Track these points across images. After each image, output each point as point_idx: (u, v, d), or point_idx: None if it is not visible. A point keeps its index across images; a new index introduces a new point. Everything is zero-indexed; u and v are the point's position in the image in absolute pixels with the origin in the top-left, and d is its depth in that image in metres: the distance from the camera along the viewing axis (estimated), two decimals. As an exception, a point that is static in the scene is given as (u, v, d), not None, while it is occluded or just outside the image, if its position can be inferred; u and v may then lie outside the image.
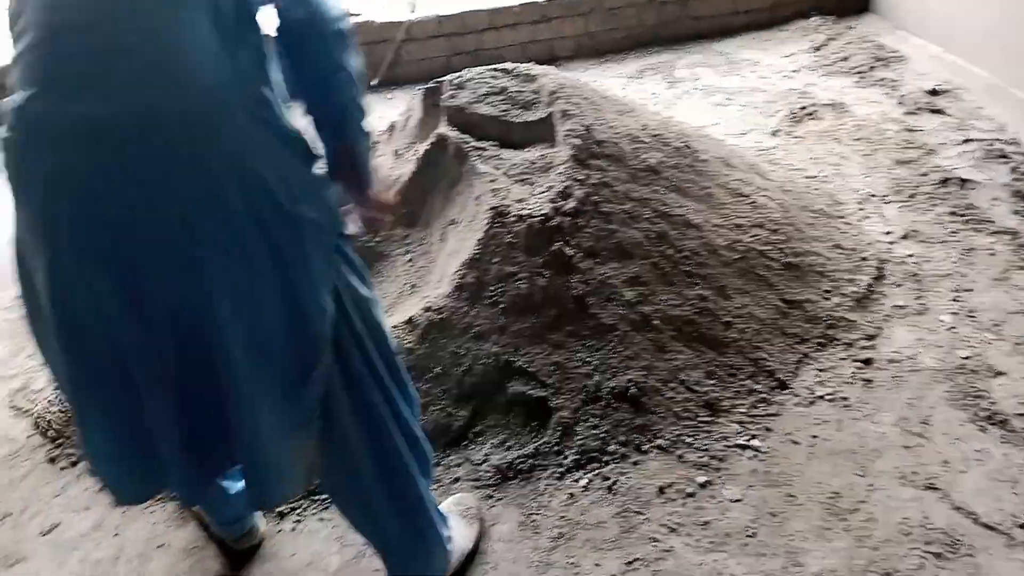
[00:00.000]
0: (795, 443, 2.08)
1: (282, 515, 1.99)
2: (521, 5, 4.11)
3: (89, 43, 1.12)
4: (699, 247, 2.38)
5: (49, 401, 2.25)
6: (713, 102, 3.84)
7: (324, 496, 2.02)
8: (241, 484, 1.86)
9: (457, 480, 2.05)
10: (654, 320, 2.23)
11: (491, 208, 2.26)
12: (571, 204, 2.26)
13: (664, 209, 2.39)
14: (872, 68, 3.97)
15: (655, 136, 2.54)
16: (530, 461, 2.06)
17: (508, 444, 2.11)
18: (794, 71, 4.08)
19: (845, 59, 4.09)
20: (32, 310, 1.29)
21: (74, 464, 2.13)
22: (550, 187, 2.31)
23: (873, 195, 2.99)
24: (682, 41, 4.42)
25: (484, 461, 2.07)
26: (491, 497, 2.00)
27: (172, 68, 1.13)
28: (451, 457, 2.10)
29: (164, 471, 1.33)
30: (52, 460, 2.14)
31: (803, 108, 3.66)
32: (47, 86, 1.13)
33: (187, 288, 1.18)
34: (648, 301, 2.25)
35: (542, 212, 2.24)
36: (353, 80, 1.35)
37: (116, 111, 1.12)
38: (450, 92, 2.59)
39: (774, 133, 3.52)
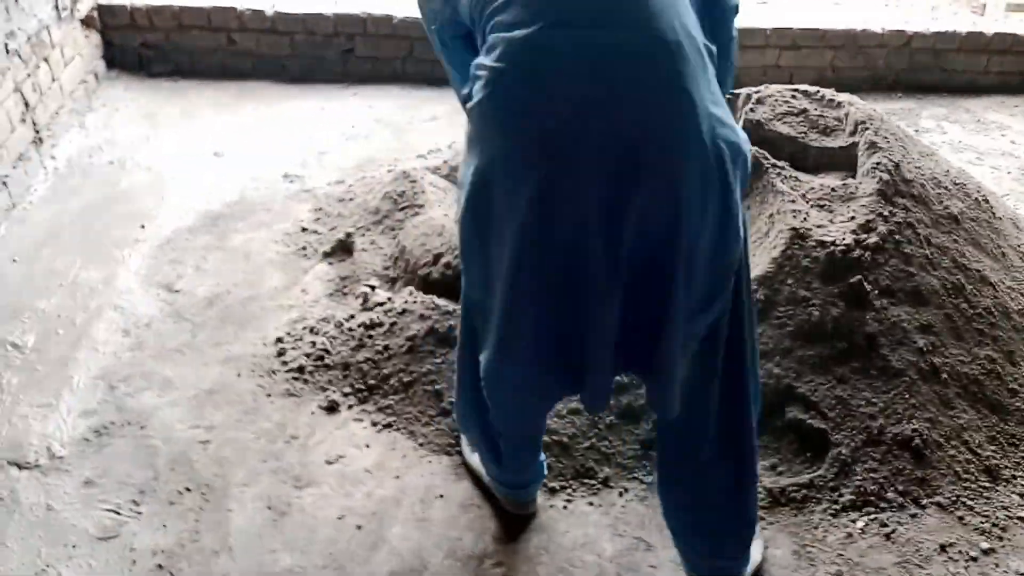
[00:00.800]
0: (1084, 528, 1.97)
1: (553, 491, 2.01)
2: (773, 28, 4.04)
3: None
4: (993, 306, 2.28)
5: (333, 340, 2.34)
6: (962, 159, 3.68)
7: (593, 480, 2.03)
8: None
9: (726, 494, 2.02)
10: (943, 373, 2.15)
11: (791, 228, 2.22)
12: (873, 239, 2.20)
13: (963, 261, 2.30)
14: None
15: (957, 184, 2.45)
16: (804, 491, 2.01)
17: (779, 469, 2.07)
18: (1048, 142, 3.88)
19: (1106, 137, 3.86)
20: (480, 231, 1.41)
21: (350, 407, 2.21)
22: (852, 218, 2.25)
23: None
24: (926, 91, 4.25)
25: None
26: (761, 519, 1.97)
27: (662, 12, 1.28)
28: (719, 470, 2.07)
29: (575, 379, 1.46)
30: (332, 405, 2.21)
31: (1062, 182, 3.47)
32: (554, 21, 1.27)
33: (662, 204, 1.29)
34: (938, 352, 2.17)
35: (844, 242, 2.19)
36: (736, 48, 1.53)
37: (622, 41, 1.26)
38: (749, 106, 2.57)
39: (1032, 202, 3.35)
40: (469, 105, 1.37)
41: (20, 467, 1.99)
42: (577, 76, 1.26)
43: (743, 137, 1.38)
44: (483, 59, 1.32)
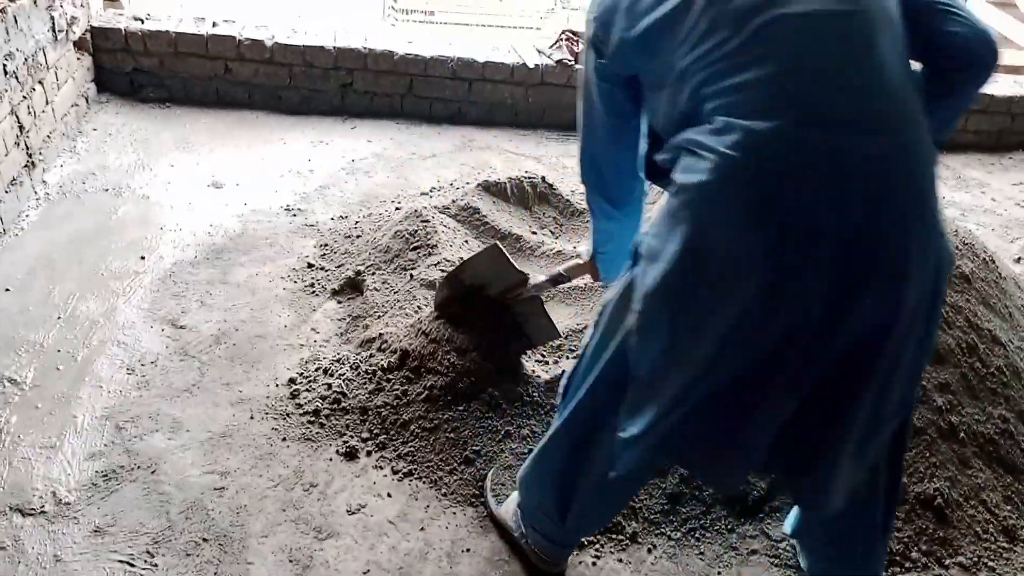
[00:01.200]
0: (1103, 591, 2.00)
1: (581, 547, 1.96)
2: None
3: (839, 84, 1.25)
4: (1004, 366, 2.32)
5: (348, 381, 2.27)
6: (948, 216, 3.78)
7: (621, 535, 1.99)
8: None
9: (754, 552, 2.00)
10: (960, 432, 2.18)
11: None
12: (893, 297, 2.23)
13: (975, 321, 2.34)
14: (1107, 212, 3.88)
15: (966, 244, 2.51)
16: (831, 549, 2.01)
17: (805, 526, 2.06)
18: (1026, 200, 4.02)
19: (1079, 198, 4.01)
20: (674, 309, 1.35)
21: (369, 453, 2.13)
22: (872, 275, 2.28)
23: None
24: (907, 147, 4.39)
25: (784, 539, 2.02)
26: (790, 578, 1.95)
27: (913, 114, 1.29)
28: (746, 527, 2.05)
29: (712, 466, 1.48)
30: (351, 451, 2.14)
31: (1041, 240, 3.59)
32: (802, 117, 1.24)
33: (881, 311, 1.28)
34: (955, 411, 2.20)
35: (866, 299, 2.22)
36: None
37: (874, 149, 1.24)
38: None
39: (1017, 260, 3.45)
40: (681, 180, 1.32)
41: (24, 514, 1.87)
42: (824, 179, 1.23)
43: (953, 248, 1.42)
44: (706, 138, 1.27)
